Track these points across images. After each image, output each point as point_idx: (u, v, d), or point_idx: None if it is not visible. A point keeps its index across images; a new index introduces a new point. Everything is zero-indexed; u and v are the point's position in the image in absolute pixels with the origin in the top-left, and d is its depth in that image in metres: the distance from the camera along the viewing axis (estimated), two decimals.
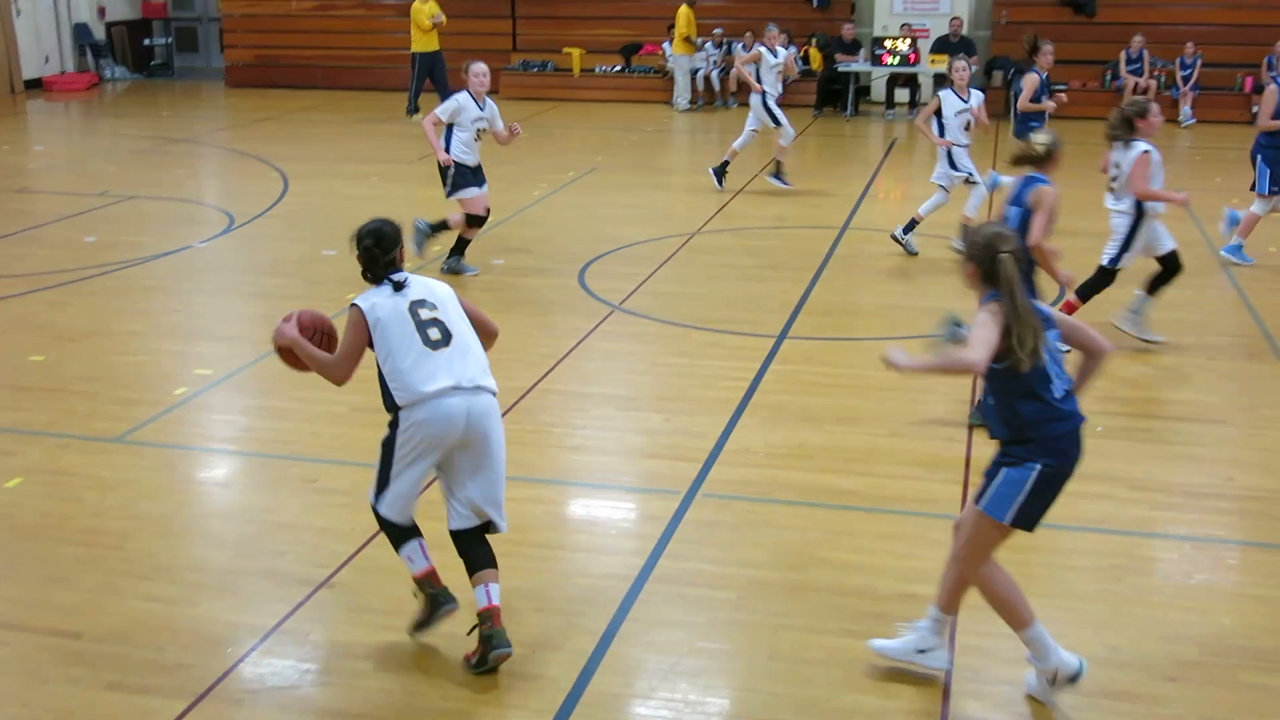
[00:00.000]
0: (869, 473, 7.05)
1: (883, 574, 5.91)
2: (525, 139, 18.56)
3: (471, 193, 10.72)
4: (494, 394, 5.07)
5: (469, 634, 5.12)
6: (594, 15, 23.65)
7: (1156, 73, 20.25)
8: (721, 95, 22.30)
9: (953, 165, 11.70)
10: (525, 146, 18.35)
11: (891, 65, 20.47)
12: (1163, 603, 5.72)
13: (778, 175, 14.79)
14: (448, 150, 10.55)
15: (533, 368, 8.60)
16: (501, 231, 12.69)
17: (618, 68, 23.23)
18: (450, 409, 4.88)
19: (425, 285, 5.07)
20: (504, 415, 6.12)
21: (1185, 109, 19.86)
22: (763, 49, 14.72)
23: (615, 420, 7.85)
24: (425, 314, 4.96)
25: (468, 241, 11.05)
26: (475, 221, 10.89)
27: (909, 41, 20.33)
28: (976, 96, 11.69)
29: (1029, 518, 4.70)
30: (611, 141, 18.67)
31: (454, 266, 11.05)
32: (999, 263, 4.56)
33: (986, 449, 7.19)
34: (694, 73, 22.04)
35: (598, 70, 23.25)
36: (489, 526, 5.10)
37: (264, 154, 17.34)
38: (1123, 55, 20.23)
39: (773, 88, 14.58)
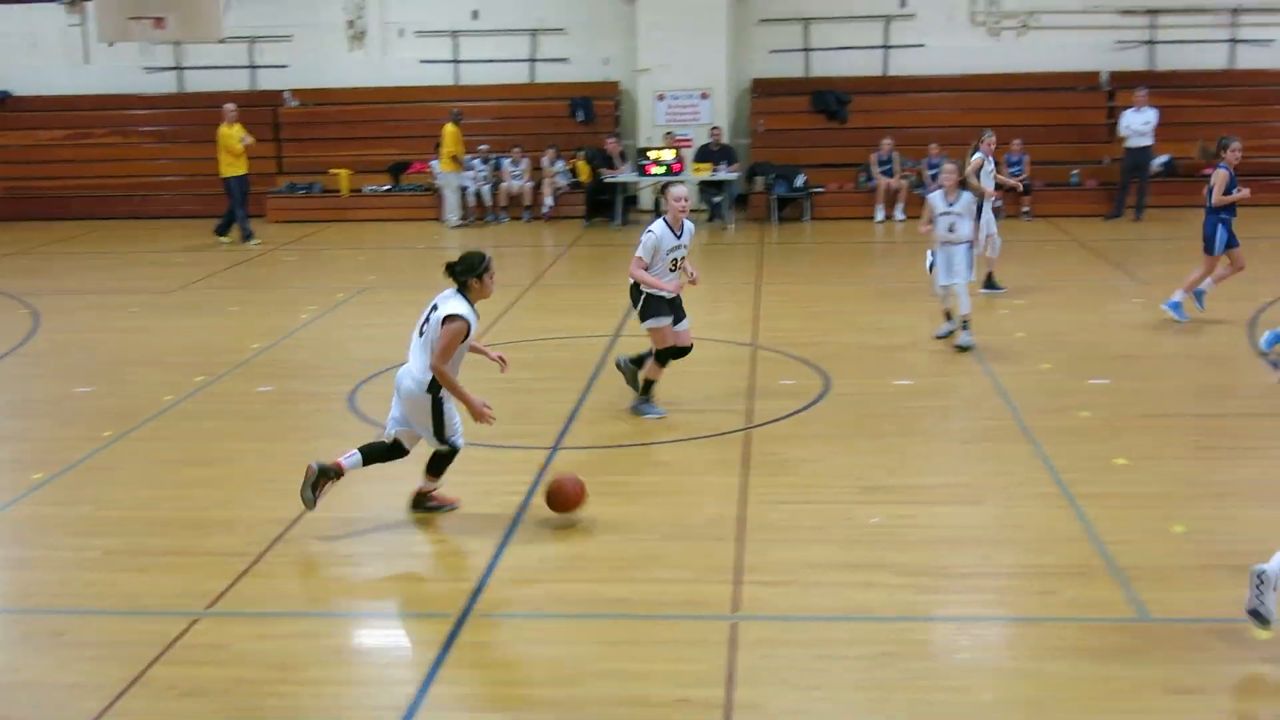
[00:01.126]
0: (642, 579, 7.07)
1: (656, 681, 5.90)
2: (293, 262, 18.31)
3: (662, 322, 9.86)
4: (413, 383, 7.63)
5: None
6: (360, 135, 23.63)
7: (906, 173, 21.27)
8: (492, 210, 22.47)
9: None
10: (293, 269, 18.10)
11: (657, 175, 20.97)
12: (928, 685, 5.86)
13: None
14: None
15: (293, 495, 8.36)
16: (269, 356, 12.42)
17: (386, 187, 23.20)
18: None
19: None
20: (295, 551, 5.92)
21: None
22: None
23: (386, 544, 7.69)
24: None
25: (654, 382, 10.13)
26: (668, 356, 10.01)
27: (673, 151, 20.91)
28: (964, 200, 12.02)
29: None
30: (382, 260, 18.57)
31: (639, 408, 10.12)
32: None
33: (756, 550, 7.33)
34: (463, 189, 22.17)
35: (366, 190, 23.18)
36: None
37: (13, 289, 16.64)
38: (873, 157, 21.21)
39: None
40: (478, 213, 22.42)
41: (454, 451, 7.88)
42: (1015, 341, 12.53)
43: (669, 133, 21.83)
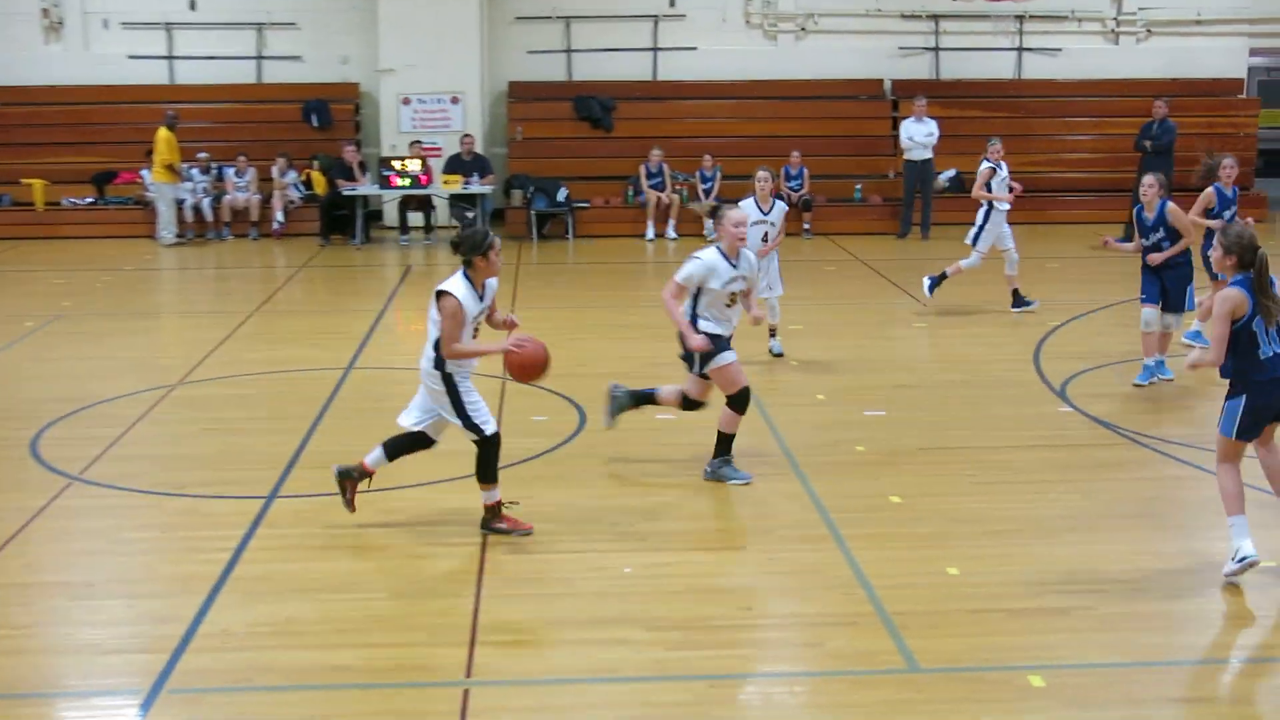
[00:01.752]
0: (366, 644, 6.94)
1: None
2: None
3: (728, 358, 9.34)
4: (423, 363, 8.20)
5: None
6: (58, 141, 22.77)
7: (678, 186, 21.64)
8: (214, 227, 21.91)
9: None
10: None
11: (402, 187, 20.81)
12: None
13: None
14: (693, 321, 9.30)
15: None
16: None
17: (89, 200, 22.40)
18: None
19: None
20: None
21: (709, 222, 21.25)
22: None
23: (66, 613, 7.37)
24: None
25: (732, 437, 9.50)
26: (746, 400, 9.44)
27: (420, 161, 20.78)
28: (779, 209, 12.61)
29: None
30: (82, 284, 17.89)
31: (721, 473, 9.48)
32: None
33: (495, 607, 7.27)
34: (180, 202, 21.56)
35: (65, 203, 22.33)
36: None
37: None
38: (642, 169, 21.51)
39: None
40: (197, 229, 21.83)
41: (489, 441, 8.24)
42: (789, 371, 12.83)
43: (416, 141, 21.70)
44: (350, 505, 8.53)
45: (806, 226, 21.45)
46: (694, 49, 23.11)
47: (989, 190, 15.10)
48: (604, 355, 13.45)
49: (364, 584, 7.74)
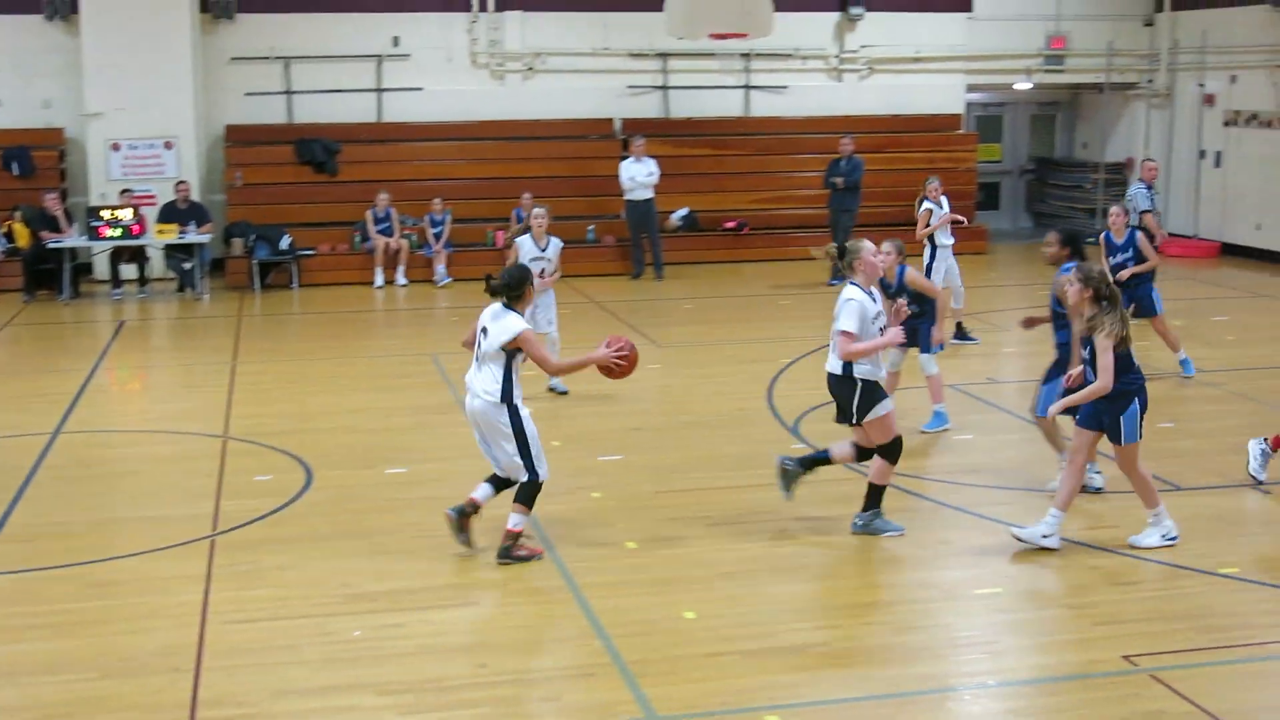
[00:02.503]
0: None
1: None
2: None
3: (886, 408, 9.30)
4: (486, 400, 8.83)
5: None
6: None
7: (407, 231, 21.53)
8: None
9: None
10: None
11: (113, 238, 20.16)
12: None
13: None
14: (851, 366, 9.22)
15: None
16: None
17: None
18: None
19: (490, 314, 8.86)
20: None
21: (439, 268, 21.23)
22: None
23: None
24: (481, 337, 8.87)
25: (884, 489, 9.56)
26: (898, 451, 9.42)
27: (131, 210, 20.16)
28: (554, 245, 13.32)
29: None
30: None
31: (874, 526, 9.52)
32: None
33: (216, 680, 7.09)
34: None
35: None
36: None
37: None
38: (369, 214, 21.33)
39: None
40: None
41: (539, 485, 8.95)
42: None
43: (126, 189, 21.05)
44: (469, 542, 9.08)
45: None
46: (420, 89, 23.07)
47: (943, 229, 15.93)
48: (332, 409, 13.28)
49: (72, 664, 7.46)
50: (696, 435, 12.21)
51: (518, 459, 8.86)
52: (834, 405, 9.51)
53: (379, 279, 21.13)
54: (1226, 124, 23.81)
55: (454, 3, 23.07)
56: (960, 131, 24.97)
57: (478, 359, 8.92)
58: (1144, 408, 9.07)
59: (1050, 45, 25.25)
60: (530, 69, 23.39)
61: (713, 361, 15.27)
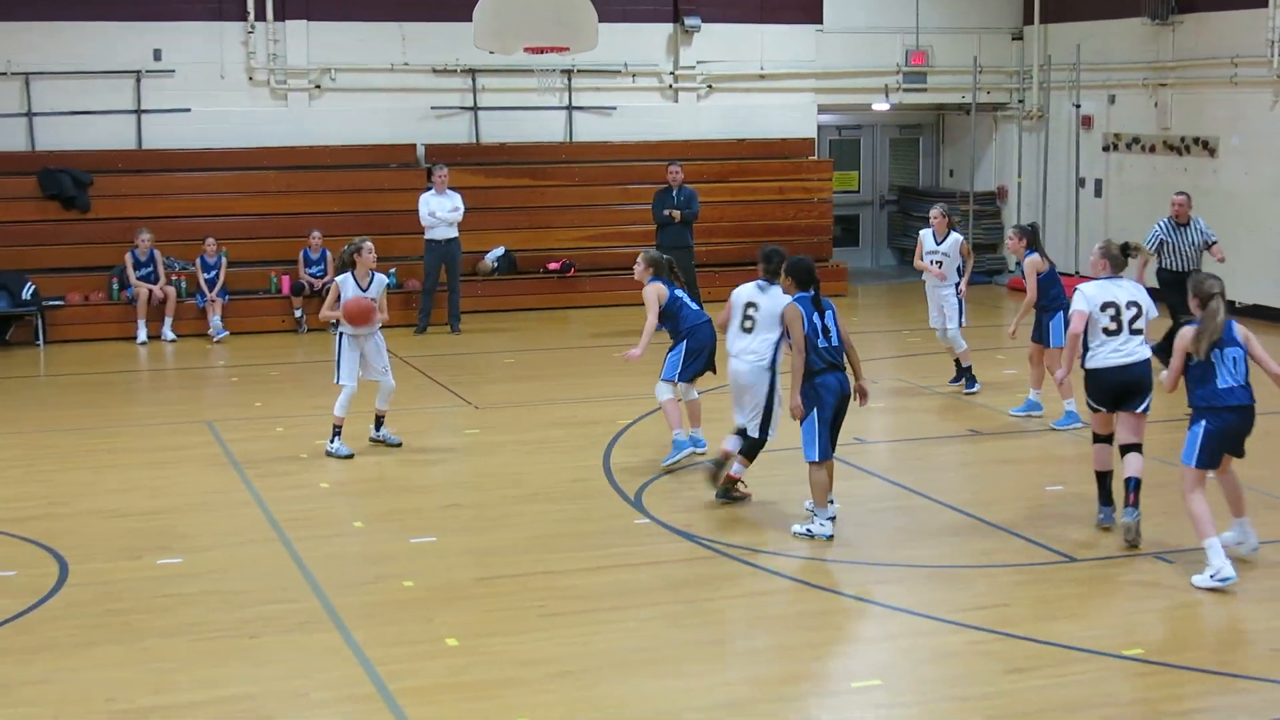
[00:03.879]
0: None
1: None
2: None
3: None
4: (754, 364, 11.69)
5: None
6: None
7: (175, 276, 21.12)
8: None
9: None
10: None
11: None
12: None
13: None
14: None
15: None
16: None
17: None
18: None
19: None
20: None
21: (214, 320, 20.85)
22: None
23: None
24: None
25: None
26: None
27: None
28: (379, 281, 14.13)
29: None
30: None
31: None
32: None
33: None
34: None
35: None
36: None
37: None
38: (129, 257, 20.87)
39: None
40: None
41: (763, 444, 12.00)
42: (321, 496, 12.69)
43: None
44: (727, 493, 12.07)
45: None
46: (187, 110, 22.67)
47: (942, 266, 16.32)
48: (90, 489, 12.94)
49: None
50: (523, 511, 12.13)
51: (758, 419, 11.73)
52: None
53: (142, 333, 20.69)
54: (1106, 148, 24.61)
55: (226, 10, 22.78)
56: (813, 158, 25.39)
57: (745, 330, 11.74)
58: (1216, 433, 10.16)
59: (910, 61, 25.86)
60: (318, 87, 23.21)
61: (539, 425, 15.21)
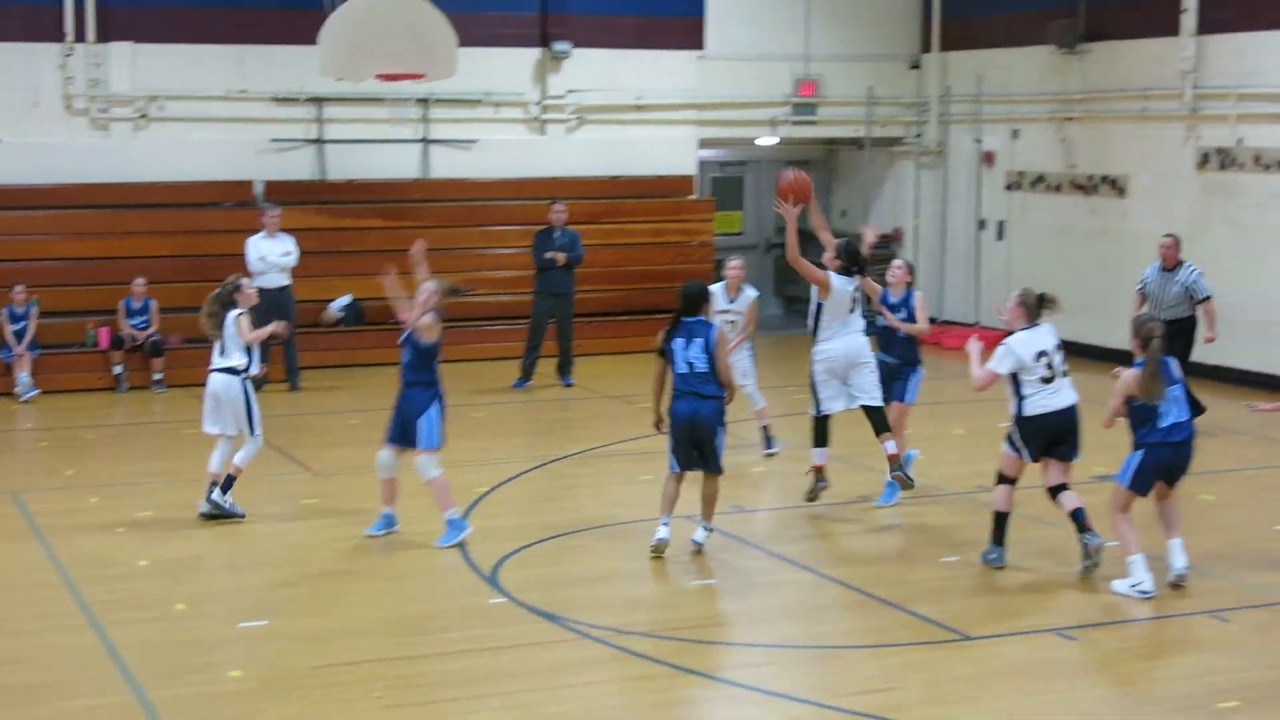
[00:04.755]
0: None
1: None
2: None
3: None
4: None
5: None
6: None
7: None
8: None
9: None
10: None
11: None
12: None
13: None
14: None
15: None
16: None
17: None
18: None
19: None
20: None
21: (22, 376, 20.53)
22: None
23: None
24: None
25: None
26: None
27: None
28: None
29: None
30: None
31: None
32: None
33: None
34: None
35: None
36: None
37: None
38: None
39: None
40: None
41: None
42: (135, 572, 12.51)
43: None
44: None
45: (157, 377, 21.05)
46: None
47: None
48: None
49: None
50: (366, 590, 12.06)
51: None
52: None
53: None
54: (1009, 187, 25.00)
55: (41, 29, 22.44)
56: (693, 197, 25.55)
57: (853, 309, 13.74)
58: (1152, 465, 11.65)
59: (799, 91, 26.11)
60: (144, 116, 22.98)
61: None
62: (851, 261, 13.83)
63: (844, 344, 13.76)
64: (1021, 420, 12.18)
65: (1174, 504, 11.99)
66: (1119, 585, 11.67)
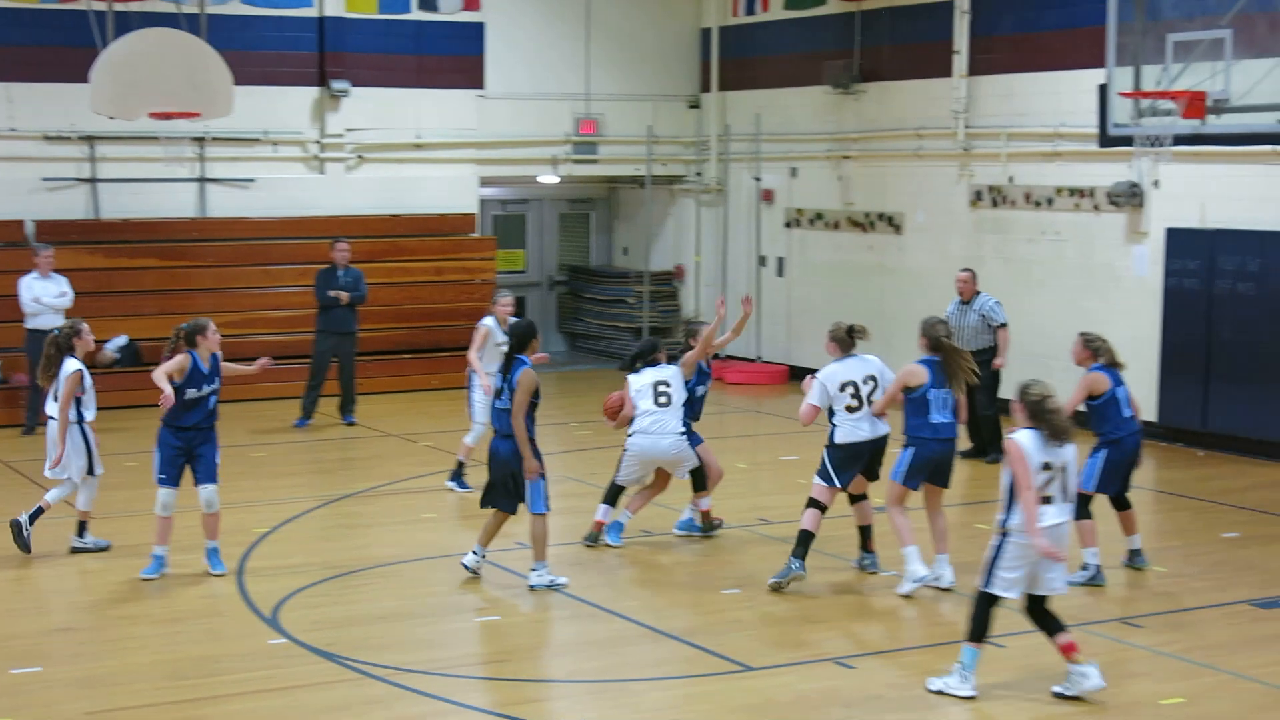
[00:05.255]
0: None
1: None
2: None
3: None
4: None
5: None
6: None
7: None
8: None
9: None
10: None
11: None
12: None
13: None
14: None
15: None
16: None
17: None
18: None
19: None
20: None
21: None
22: None
23: None
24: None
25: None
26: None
27: None
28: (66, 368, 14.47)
29: None
30: None
31: None
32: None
33: None
34: None
35: None
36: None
37: None
38: None
39: None
40: None
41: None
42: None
43: None
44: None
45: None
46: None
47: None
48: None
49: None
50: (143, 634, 11.87)
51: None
52: None
53: None
54: (788, 224, 25.39)
55: None
56: (475, 235, 25.55)
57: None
58: (922, 460, 12.71)
59: (580, 130, 26.30)
60: None
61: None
62: (634, 360, 14.32)
63: (652, 440, 14.04)
64: (832, 447, 12.89)
65: (944, 518, 13.01)
66: (903, 590, 12.62)
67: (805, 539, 12.82)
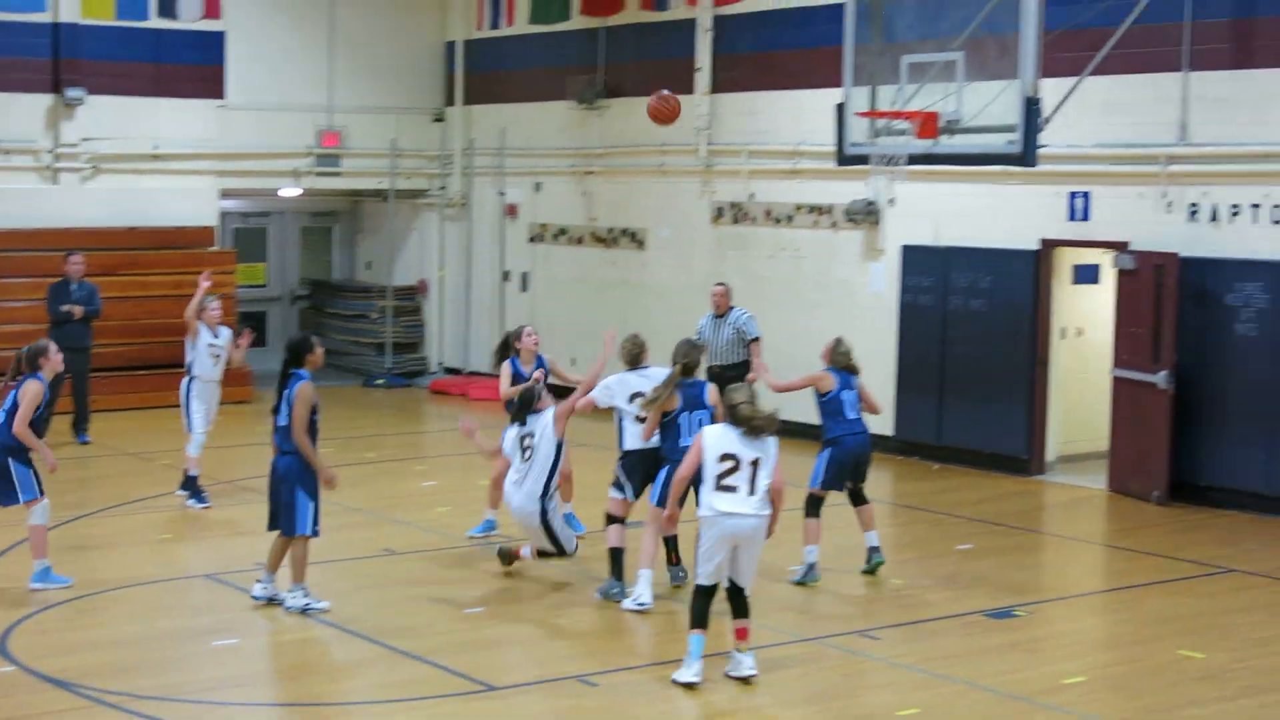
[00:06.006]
0: None
1: None
2: None
3: None
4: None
5: None
6: None
7: None
8: None
9: None
10: None
11: None
12: None
13: None
14: None
15: None
16: None
17: None
18: None
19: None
20: None
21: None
22: None
23: None
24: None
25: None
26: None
27: None
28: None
29: None
30: None
31: None
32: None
33: None
34: None
35: None
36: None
37: None
38: None
39: None
40: None
41: None
42: None
43: None
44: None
45: None
46: None
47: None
48: None
49: None
50: None
51: None
52: None
53: None
54: (532, 239, 25.41)
55: None
56: (215, 248, 25.08)
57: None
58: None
59: (322, 143, 26.00)
60: None
61: None
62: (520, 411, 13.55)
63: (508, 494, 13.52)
64: (622, 455, 13.30)
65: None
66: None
67: (615, 557, 13.08)
